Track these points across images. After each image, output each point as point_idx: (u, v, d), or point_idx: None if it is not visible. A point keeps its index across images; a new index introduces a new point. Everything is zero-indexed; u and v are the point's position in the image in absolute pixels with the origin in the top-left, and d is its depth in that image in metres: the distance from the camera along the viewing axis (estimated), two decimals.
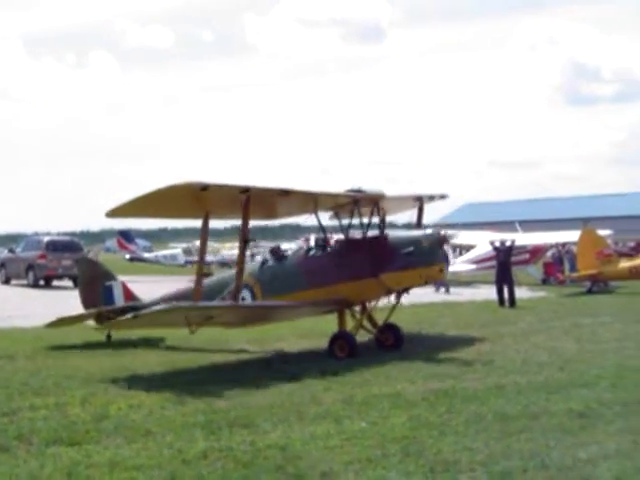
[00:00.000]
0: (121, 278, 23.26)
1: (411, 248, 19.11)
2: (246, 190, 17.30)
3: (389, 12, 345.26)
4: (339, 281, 19.19)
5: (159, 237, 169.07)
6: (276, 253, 20.94)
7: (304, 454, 10.57)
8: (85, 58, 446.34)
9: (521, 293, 32.41)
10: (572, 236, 43.05)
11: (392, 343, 19.88)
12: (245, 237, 17.89)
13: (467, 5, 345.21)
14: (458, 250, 54.23)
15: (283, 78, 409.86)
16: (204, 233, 18.11)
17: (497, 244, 35.03)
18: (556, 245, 47.07)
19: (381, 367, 16.94)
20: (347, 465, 10.03)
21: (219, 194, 17.33)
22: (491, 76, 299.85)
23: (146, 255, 69.42)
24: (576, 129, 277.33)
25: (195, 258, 61.75)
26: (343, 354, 18.32)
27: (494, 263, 35.73)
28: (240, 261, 18.12)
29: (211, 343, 20.75)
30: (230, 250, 75.97)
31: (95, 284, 22.30)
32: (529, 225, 76.54)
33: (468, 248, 49.13)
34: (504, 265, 33.21)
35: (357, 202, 19.89)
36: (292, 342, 21.07)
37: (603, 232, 43.69)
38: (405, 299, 21.36)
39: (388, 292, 19.78)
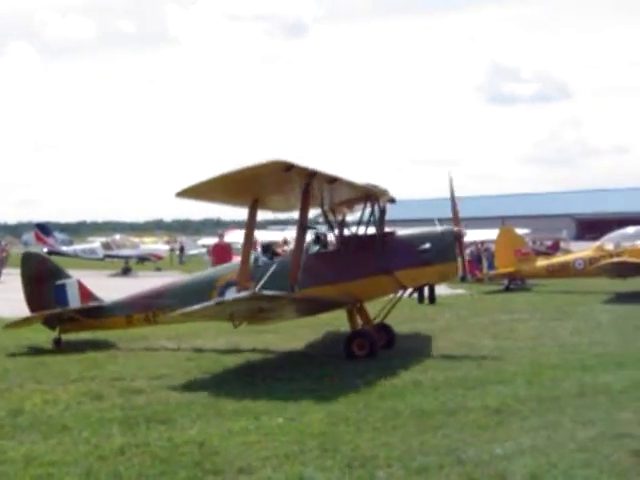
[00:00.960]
0: None
1: (427, 245, 18.84)
2: (313, 174, 16.45)
3: (312, 8, 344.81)
4: (350, 278, 18.41)
5: (78, 231, 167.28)
6: (268, 249, 20.15)
7: (222, 450, 10.55)
8: (5, 49, 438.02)
9: (440, 290, 32.69)
10: (490, 234, 43.55)
11: (384, 344, 19.18)
12: (304, 224, 17.45)
13: (391, 3, 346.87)
14: None
15: (205, 71, 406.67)
16: (252, 222, 17.56)
17: None
18: (475, 243, 47.53)
19: (301, 363, 16.97)
20: (265, 461, 10.03)
21: (292, 177, 16.26)
22: (413, 74, 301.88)
23: (64, 249, 68.39)
24: (496, 128, 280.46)
25: (115, 252, 61.21)
26: (363, 352, 17.64)
27: None
28: (298, 249, 17.54)
29: (131, 341, 20.60)
30: (154, 244, 75.63)
31: (43, 283, 20.64)
32: (448, 223, 77.20)
33: None
34: None
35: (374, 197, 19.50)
36: (209, 339, 20.98)
37: (521, 231, 44.30)
38: None
39: (402, 289, 19.33)
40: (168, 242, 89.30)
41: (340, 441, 10.85)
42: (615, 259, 33.97)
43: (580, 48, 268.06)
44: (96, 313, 20.31)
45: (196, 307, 15.81)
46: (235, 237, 51.39)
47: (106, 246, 63.88)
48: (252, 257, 18.92)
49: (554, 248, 55.50)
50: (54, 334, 20.51)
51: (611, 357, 17.24)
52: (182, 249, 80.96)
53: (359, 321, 19.05)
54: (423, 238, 19.04)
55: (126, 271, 59.96)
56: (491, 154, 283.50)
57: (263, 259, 19.46)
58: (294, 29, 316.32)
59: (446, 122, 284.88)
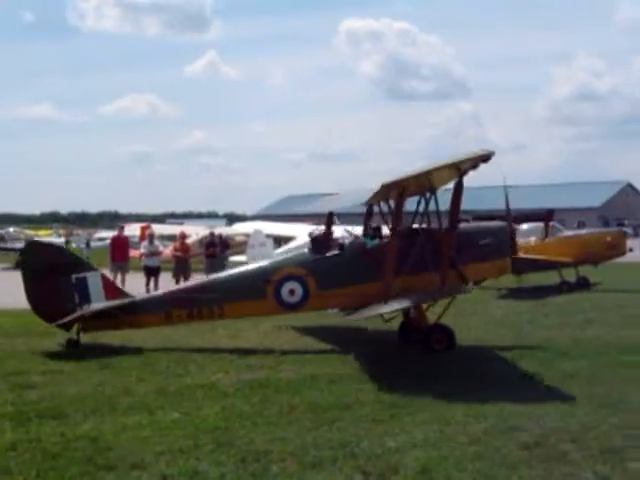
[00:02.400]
0: None
1: (488, 239, 18.82)
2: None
3: (212, 1, 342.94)
4: (411, 273, 17.69)
5: None
6: (319, 242, 19.54)
7: (115, 445, 10.48)
8: None
9: None
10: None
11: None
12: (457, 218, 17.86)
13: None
14: (276, 241, 54.52)
15: (105, 62, 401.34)
16: (400, 212, 17.56)
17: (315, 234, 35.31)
18: None
19: (195, 357, 16.89)
20: (159, 455, 9.99)
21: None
22: (314, 69, 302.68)
23: None
24: (396, 124, 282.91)
25: (8, 245, 59.96)
26: (441, 346, 17.35)
27: None
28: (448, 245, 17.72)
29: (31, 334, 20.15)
30: (49, 238, 74.42)
31: (57, 276, 18.14)
32: (347, 218, 77.77)
33: (287, 239, 49.43)
34: None
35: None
36: (110, 335, 20.67)
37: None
38: None
39: (465, 284, 18.78)
40: (64, 235, 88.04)
41: (235, 435, 10.88)
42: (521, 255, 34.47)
43: (477, 47, 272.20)
44: (130, 309, 18.52)
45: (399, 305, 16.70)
46: (133, 231, 51.00)
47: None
48: (306, 250, 19.31)
49: None
50: (63, 334, 18.64)
51: (503, 350, 17.53)
52: (88, 243, 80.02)
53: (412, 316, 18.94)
54: (484, 232, 19.11)
55: (19, 264, 58.68)
56: (392, 150, 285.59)
57: (310, 252, 19.16)
58: (194, 21, 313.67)
59: (347, 118, 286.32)
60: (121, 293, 19.15)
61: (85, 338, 18.53)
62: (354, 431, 11.08)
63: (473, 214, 50.59)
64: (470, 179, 17.33)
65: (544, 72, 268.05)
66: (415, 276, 17.72)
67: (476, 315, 24.51)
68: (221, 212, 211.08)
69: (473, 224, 20.33)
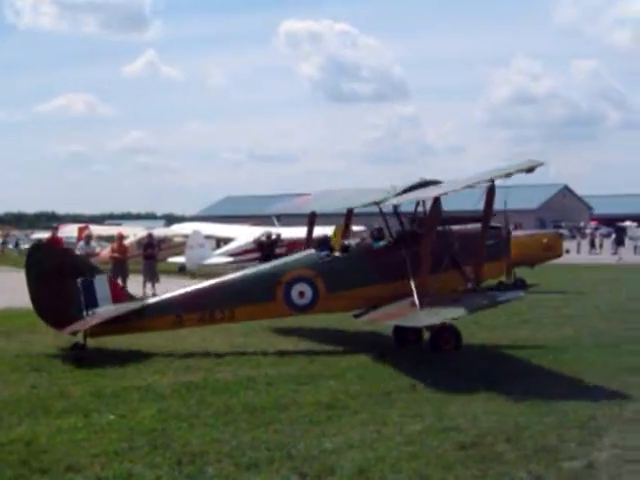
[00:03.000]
0: None
1: (493, 240, 19.03)
2: None
3: (152, 0, 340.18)
4: (419, 274, 17.63)
5: None
6: (325, 244, 19.62)
7: (50, 448, 10.37)
8: None
9: None
10: (328, 231, 43.96)
11: (413, 339, 19.00)
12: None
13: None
14: (217, 242, 54.47)
15: (41, 61, 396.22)
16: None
17: (263, 238, 35.37)
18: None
19: (132, 359, 16.76)
20: (93, 458, 9.91)
21: None
22: (254, 70, 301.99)
23: None
24: (336, 126, 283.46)
25: None
26: (449, 346, 17.44)
27: (253, 256, 36.04)
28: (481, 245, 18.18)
29: None
30: None
31: (62, 279, 17.33)
32: (287, 219, 77.70)
33: (226, 240, 49.35)
34: (269, 258, 33.65)
35: None
36: (43, 333, 20.45)
37: (357, 228, 44.83)
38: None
39: (469, 284, 18.74)
40: (1, 236, 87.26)
41: (171, 437, 10.82)
42: None
43: (417, 49, 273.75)
44: (141, 313, 17.89)
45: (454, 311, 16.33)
46: (70, 232, 50.51)
47: None
48: (312, 252, 19.21)
49: None
50: (70, 338, 17.97)
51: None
52: (17, 244, 79.44)
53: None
54: (490, 233, 19.09)
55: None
56: (332, 151, 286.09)
57: (321, 254, 19.02)
58: (133, 21, 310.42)
59: (287, 119, 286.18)
60: (128, 296, 18.69)
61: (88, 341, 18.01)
62: (291, 432, 11.08)
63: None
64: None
65: (483, 74, 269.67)
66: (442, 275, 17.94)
67: None
68: (160, 213, 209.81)
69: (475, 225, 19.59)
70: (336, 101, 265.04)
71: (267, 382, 14.42)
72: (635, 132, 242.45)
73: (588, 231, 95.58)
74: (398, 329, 18.92)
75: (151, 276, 33.71)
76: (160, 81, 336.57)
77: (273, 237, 35.23)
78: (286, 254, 45.10)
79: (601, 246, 73.36)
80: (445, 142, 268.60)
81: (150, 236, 37.22)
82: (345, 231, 21.88)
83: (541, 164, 16.11)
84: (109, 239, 47.19)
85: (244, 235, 45.24)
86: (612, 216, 72.97)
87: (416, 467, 9.58)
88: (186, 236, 46.02)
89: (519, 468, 9.52)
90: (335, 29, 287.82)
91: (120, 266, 31.87)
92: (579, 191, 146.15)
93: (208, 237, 47.21)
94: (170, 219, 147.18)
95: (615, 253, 58.54)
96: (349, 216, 21.84)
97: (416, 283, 17.31)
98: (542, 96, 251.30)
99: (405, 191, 19.14)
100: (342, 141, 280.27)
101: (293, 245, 46.16)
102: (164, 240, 47.68)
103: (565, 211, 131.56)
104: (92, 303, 17.42)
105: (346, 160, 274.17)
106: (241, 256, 42.81)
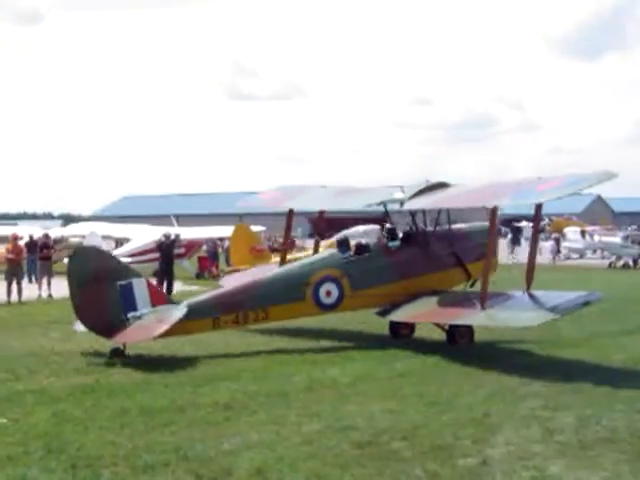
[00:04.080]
0: None
1: (485, 239, 19.47)
2: None
3: None
4: (430, 271, 19.49)
5: None
6: (345, 244, 19.95)
7: None
8: None
9: (175, 287, 32.64)
10: (227, 231, 43.83)
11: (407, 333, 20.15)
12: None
13: None
14: (115, 242, 53.83)
15: None
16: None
17: (162, 238, 35.09)
18: (212, 240, 47.71)
19: (26, 362, 16.45)
20: None
21: None
22: (152, 67, 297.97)
23: None
24: (236, 125, 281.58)
25: None
26: (464, 340, 18.53)
27: (151, 256, 35.75)
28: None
29: None
30: None
31: (100, 283, 16.82)
32: (185, 219, 77.39)
33: (124, 241, 48.81)
34: (168, 258, 33.47)
35: None
36: None
37: (256, 228, 44.84)
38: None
39: (470, 281, 20.35)
40: None
41: (65, 441, 10.66)
42: None
43: (315, 48, 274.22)
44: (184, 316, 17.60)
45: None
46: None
47: None
48: (335, 252, 19.81)
49: (290, 245, 56.53)
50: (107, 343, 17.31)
51: (341, 352, 17.77)
52: None
53: None
54: (481, 233, 20.09)
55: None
56: (232, 151, 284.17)
57: (344, 254, 19.54)
58: (27, 15, 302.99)
59: (185, 117, 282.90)
60: (167, 299, 18.35)
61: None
62: (188, 434, 11.01)
63: None
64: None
65: (382, 75, 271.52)
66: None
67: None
68: (57, 213, 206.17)
69: (476, 224, 21.43)
70: (236, 100, 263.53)
71: (164, 384, 14.32)
72: (529, 134, 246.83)
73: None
74: (394, 323, 19.85)
75: (47, 277, 33.13)
76: (57, 78, 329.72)
77: (172, 237, 34.99)
78: (185, 254, 45.23)
79: None
80: (344, 143, 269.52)
81: (47, 236, 36.59)
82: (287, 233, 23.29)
83: (615, 175, 17.09)
84: (3, 240, 46.21)
85: (142, 235, 44.78)
86: (508, 216, 74.12)
87: (313, 467, 9.61)
88: (83, 236, 45.33)
89: (415, 466, 9.62)
90: (235, 28, 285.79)
91: (14, 267, 31.25)
92: None
93: (105, 237, 46.57)
94: (67, 219, 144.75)
95: (512, 252, 59.58)
96: (321, 217, 23.36)
97: (481, 281, 18.44)
98: (439, 98, 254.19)
99: (417, 194, 20.00)
100: (241, 140, 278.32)
101: (192, 245, 46.07)
102: (60, 240, 46.85)
103: (463, 212, 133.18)
104: (131, 307, 17.03)
105: (246, 159, 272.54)
106: (140, 257, 42.34)
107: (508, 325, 18.01)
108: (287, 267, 20.42)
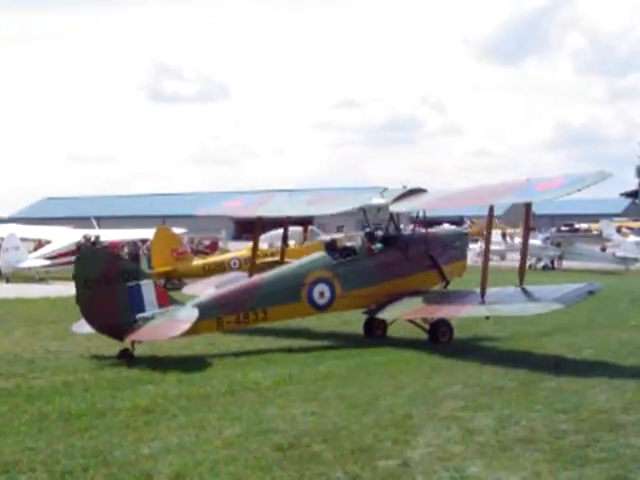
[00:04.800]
0: None
1: (458, 242, 21.82)
2: None
3: None
4: (410, 273, 20.49)
5: None
6: (334, 247, 21.26)
7: None
8: None
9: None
10: (149, 233, 43.53)
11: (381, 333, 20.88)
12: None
13: None
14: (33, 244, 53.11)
15: None
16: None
17: (82, 240, 34.78)
18: (133, 242, 47.32)
19: None
20: None
21: None
22: (73, 67, 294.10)
23: None
24: (158, 127, 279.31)
25: None
26: (445, 338, 19.50)
27: (71, 259, 35.32)
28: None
29: None
30: None
31: (110, 285, 16.93)
32: (106, 221, 76.70)
33: (45, 243, 48.17)
34: None
35: None
36: None
37: (178, 230, 44.62)
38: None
39: (444, 282, 21.26)
40: None
41: None
42: (268, 258, 34.94)
43: (239, 50, 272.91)
44: None
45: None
46: None
47: None
48: (323, 254, 20.64)
49: (212, 247, 56.34)
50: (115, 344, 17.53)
51: (262, 354, 17.74)
52: None
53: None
54: (455, 236, 22.41)
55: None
56: (151, 153, 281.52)
57: (333, 256, 20.41)
58: None
59: (106, 119, 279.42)
60: (172, 300, 18.24)
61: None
62: (107, 439, 10.88)
63: None
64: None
65: (306, 77, 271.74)
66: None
67: None
68: None
69: (448, 228, 24.41)
70: (159, 102, 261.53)
71: (84, 388, 14.15)
72: (454, 137, 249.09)
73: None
74: (370, 322, 20.79)
75: None
76: None
77: (92, 239, 34.69)
78: None
79: None
80: (265, 144, 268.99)
81: None
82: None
83: (610, 175, 17.92)
84: None
85: (62, 237, 44.25)
86: (431, 219, 74.89)
87: (234, 470, 9.56)
88: (1, 238, 44.66)
89: (336, 468, 9.62)
90: (158, 28, 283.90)
91: None
92: None
93: (24, 239, 45.91)
94: None
95: None
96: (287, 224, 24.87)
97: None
98: (364, 100, 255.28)
99: (398, 198, 21.14)
100: (164, 142, 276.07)
101: (112, 247, 45.61)
102: None
103: (386, 213, 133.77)
104: (140, 308, 17.14)
105: (167, 162, 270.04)
106: (59, 259, 41.86)
107: (515, 314, 19.21)
108: (283, 268, 20.94)
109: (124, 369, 15.98)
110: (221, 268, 37.07)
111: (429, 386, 14.30)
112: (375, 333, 20.78)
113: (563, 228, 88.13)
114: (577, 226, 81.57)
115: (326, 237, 38.49)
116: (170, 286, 38.64)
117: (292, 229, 38.06)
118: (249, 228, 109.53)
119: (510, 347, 19.02)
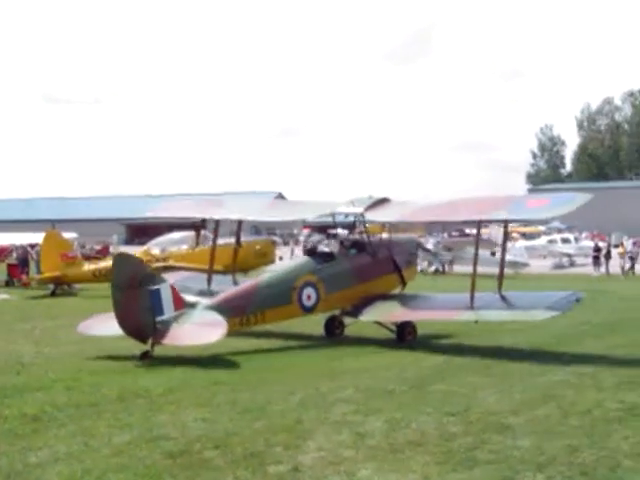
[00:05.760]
0: None
1: (412, 249, 23.71)
2: None
3: None
4: (379, 276, 21.94)
5: None
6: (315, 252, 22.83)
7: None
8: None
9: None
10: (38, 238, 42.73)
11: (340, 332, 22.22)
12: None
13: None
14: None
15: None
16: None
17: None
18: (22, 247, 46.41)
19: None
20: None
21: None
22: None
23: None
24: (50, 129, 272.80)
25: None
26: (411, 337, 20.84)
27: None
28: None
29: None
30: None
31: (135, 288, 17.47)
32: None
33: None
34: None
35: None
36: None
37: (68, 235, 43.90)
38: None
39: (403, 285, 22.80)
40: None
41: None
42: (160, 263, 34.61)
43: (131, 51, 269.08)
44: None
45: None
46: None
47: None
48: (306, 260, 21.93)
49: (104, 252, 55.66)
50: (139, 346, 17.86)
51: (152, 360, 17.52)
52: None
53: None
54: (411, 242, 24.45)
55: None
56: (46, 156, 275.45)
57: (316, 261, 21.61)
58: None
59: (4, 122, 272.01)
60: (184, 303, 18.70)
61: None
62: None
63: None
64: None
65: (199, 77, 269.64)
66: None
67: None
68: None
69: (404, 236, 25.65)
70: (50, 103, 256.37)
71: None
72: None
73: (301, 238, 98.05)
74: (330, 322, 22.11)
75: None
76: None
77: None
78: None
79: None
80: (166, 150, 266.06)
81: None
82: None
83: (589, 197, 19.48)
84: None
85: None
86: (324, 224, 75.26)
87: (124, 478, 9.49)
88: None
89: (227, 474, 9.62)
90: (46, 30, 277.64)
91: None
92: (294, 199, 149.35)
93: None
94: None
95: None
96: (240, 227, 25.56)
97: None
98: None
99: (370, 207, 22.16)
100: (58, 144, 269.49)
101: (1, 251, 44.74)
102: None
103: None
104: (160, 311, 17.63)
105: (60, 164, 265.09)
106: None
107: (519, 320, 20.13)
108: (275, 273, 22.27)
109: (13, 376, 15.66)
110: (112, 274, 36.44)
111: (321, 390, 14.35)
112: (334, 332, 22.06)
113: (454, 233, 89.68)
114: (468, 231, 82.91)
115: (219, 241, 38.26)
116: (60, 291, 38.09)
117: (185, 234, 37.85)
118: (141, 233, 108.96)
119: (401, 351, 19.19)
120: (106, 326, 18.27)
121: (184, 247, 36.28)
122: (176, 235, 38.07)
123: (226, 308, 18.98)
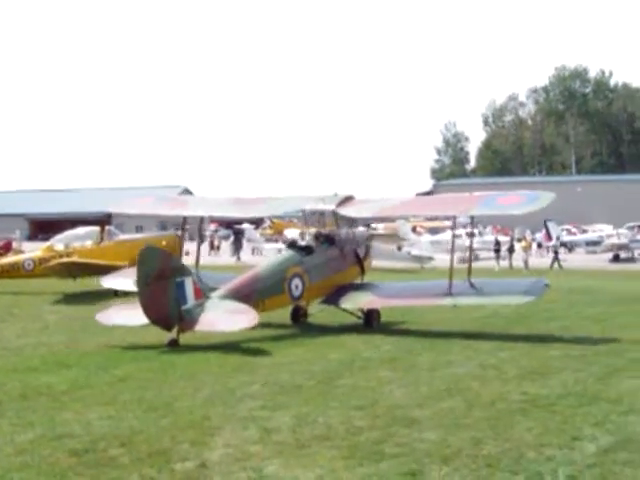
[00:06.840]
0: None
1: (368, 242, 25.53)
2: None
3: None
4: (347, 267, 23.74)
5: None
6: (294, 245, 24.49)
7: None
8: None
9: None
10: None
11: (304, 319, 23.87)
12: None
13: None
14: None
15: None
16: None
17: None
18: None
19: None
20: None
21: None
22: None
23: None
24: None
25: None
26: (376, 323, 22.52)
27: None
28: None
29: None
30: None
31: (162, 280, 18.48)
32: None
33: None
34: None
35: None
36: None
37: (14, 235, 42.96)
38: None
39: (362, 275, 24.42)
40: None
41: None
42: (65, 259, 34.10)
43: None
44: None
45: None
46: None
47: None
48: (291, 253, 23.13)
49: (6, 248, 54.55)
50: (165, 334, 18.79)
51: (56, 358, 17.28)
52: None
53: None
54: (367, 237, 26.38)
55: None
56: None
57: (299, 253, 23.02)
58: None
59: None
60: (203, 294, 19.58)
61: None
62: None
63: None
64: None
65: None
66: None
67: (29, 321, 24.04)
68: None
69: (359, 230, 27.43)
70: None
71: None
72: None
73: (208, 233, 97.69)
74: (296, 310, 23.64)
75: None
76: None
77: None
78: None
79: (219, 248, 75.05)
80: None
81: None
82: None
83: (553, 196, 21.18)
84: None
85: None
86: (231, 219, 75.11)
87: (27, 477, 9.36)
88: None
89: (132, 472, 9.52)
90: None
91: None
92: (198, 193, 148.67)
93: None
94: None
95: (234, 255, 61.11)
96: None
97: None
98: None
99: (342, 202, 23.96)
100: None
101: None
102: None
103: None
104: (184, 301, 18.75)
105: None
106: None
107: (496, 303, 22.42)
108: (270, 261, 23.89)
109: None
110: (15, 269, 35.88)
111: (229, 386, 14.29)
112: (299, 320, 23.62)
113: (361, 228, 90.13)
114: (374, 226, 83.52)
115: (124, 236, 37.88)
116: None
117: (89, 229, 37.35)
118: (44, 229, 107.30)
119: (309, 345, 19.22)
120: (126, 315, 19.53)
121: (88, 243, 35.75)
122: (80, 231, 37.49)
123: (237, 297, 20.02)
